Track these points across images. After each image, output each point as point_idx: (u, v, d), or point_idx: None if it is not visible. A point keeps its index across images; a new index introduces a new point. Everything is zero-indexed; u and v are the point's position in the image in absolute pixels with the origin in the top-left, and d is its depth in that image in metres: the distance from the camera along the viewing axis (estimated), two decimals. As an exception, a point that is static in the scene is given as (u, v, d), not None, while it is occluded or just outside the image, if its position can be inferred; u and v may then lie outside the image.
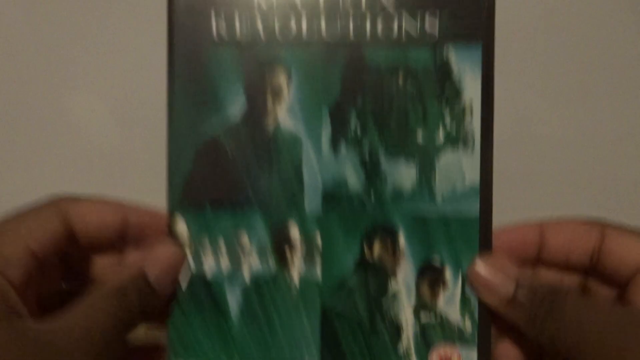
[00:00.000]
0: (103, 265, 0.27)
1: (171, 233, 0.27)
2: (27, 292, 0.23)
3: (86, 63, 0.37)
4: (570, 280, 0.27)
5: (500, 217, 0.27)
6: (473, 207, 0.26)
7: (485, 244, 0.26)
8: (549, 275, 0.27)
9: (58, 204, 0.25)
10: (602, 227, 0.26)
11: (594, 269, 0.26)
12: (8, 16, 0.38)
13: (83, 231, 0.25)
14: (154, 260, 0.25)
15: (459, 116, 0.26)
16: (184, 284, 0.27)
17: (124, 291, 0.24)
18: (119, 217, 0.26)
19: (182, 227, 0.27)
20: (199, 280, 0.27)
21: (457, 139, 0.26)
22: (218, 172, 0.26)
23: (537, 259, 0.27)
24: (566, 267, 0.27)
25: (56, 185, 0.30)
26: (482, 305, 0.27)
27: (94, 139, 0.39)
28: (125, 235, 0.26)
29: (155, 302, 0.25)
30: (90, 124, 0.38)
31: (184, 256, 0.26)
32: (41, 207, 0.24)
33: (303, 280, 0.27)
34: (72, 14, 0.38)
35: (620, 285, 0.26)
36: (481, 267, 0.26)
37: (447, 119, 0.26)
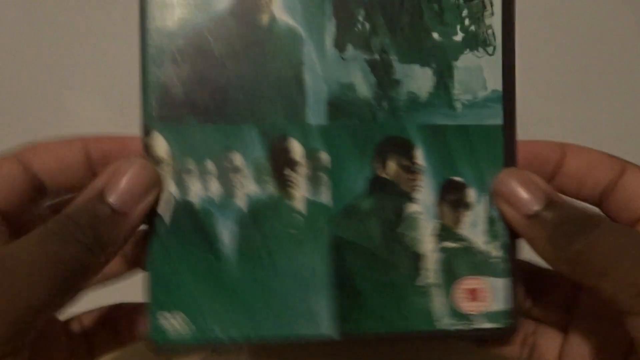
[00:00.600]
0: None
1: (148, 154, 0.22)
2: None
3: (85, 63, 0.37)
4: None
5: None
6: (496, 115, 0.23)
7: (509, 155, 0.23)
8: None
9: (18, 155, 0.22)
10: (624, 162, 0.24)
11: (600, 205, 0.25)
12: (8, 16, 0.37)
13: (48, 176, 0.22)
14: (113, 177, 0.21)
15: (478, 12, 0.23)
16: (165, 214, 0.22)
17: (73, 216, 0.20)
18: (81, 152, 0.22)
19: (160, 144, 0.22)
20: (184, 209, 0.22)
21: (476, 39, 0.23)
22: (202, 76, 0.22)
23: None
24: (574, 197, 0.25)
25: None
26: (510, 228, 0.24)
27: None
28: (97, 171, 0.22)
29: (119, 228, 0.20)
30: (89, 124, 0.37)
31: (155, 172, 0.22)
32: (1, 160, 0.22)
33: (310, 205, 0.23)
34: (71, 14, 0.37)
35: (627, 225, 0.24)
36: (508, 178, 0.23)
37: (466, 16, 0.23)
